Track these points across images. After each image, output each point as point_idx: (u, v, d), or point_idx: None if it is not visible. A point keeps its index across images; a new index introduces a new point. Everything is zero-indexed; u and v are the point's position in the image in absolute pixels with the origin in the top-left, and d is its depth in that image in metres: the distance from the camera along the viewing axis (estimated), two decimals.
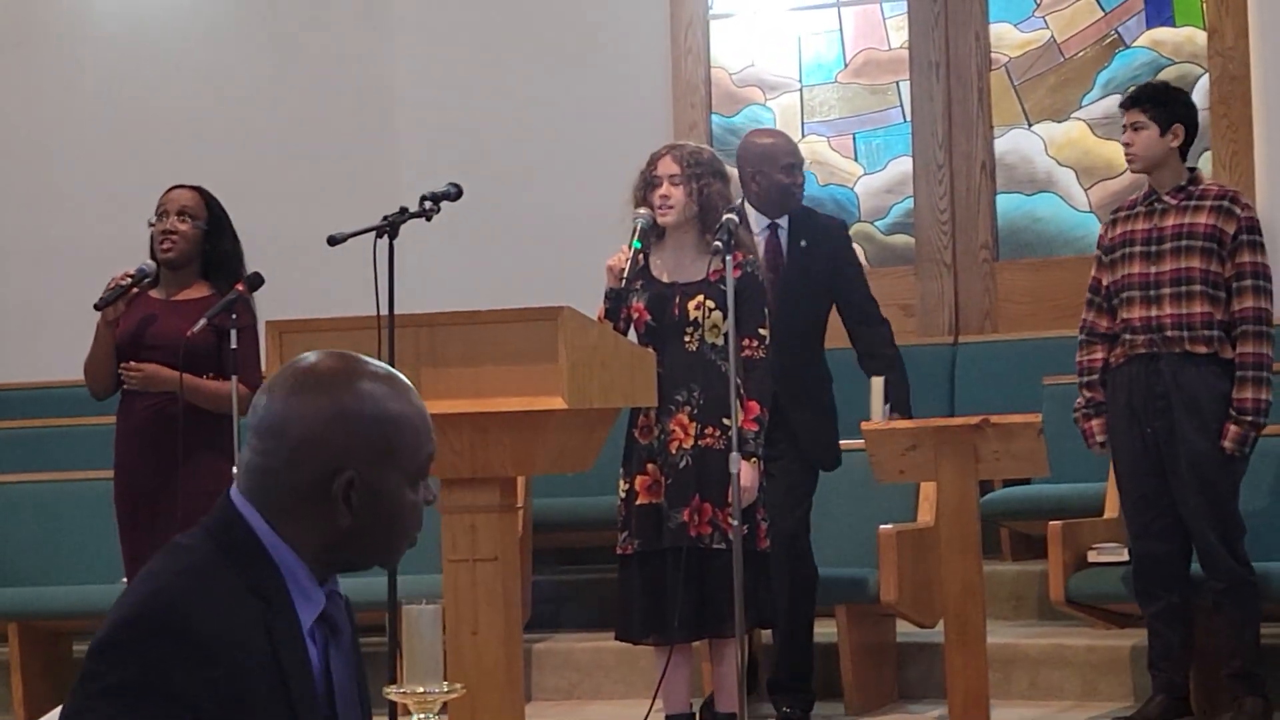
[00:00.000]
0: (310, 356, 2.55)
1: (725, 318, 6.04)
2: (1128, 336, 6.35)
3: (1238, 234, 6.24)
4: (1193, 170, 6.44)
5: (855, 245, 7.22)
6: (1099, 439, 6.47)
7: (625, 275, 6.02)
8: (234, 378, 6.19)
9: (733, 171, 6.51)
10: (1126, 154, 6.47)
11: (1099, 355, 6.49)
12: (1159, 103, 6.37)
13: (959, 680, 6.15)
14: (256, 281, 6.32)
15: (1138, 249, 6.34)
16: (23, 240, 10.37)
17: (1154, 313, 6.29)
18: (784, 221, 6.78)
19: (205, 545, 2.45)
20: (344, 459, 2.48)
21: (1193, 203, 6.31)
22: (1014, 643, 7.20)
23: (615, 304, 6.13)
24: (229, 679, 2.34)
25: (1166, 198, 6.34)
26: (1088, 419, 6.51)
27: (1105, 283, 6.45)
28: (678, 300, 6.10)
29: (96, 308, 6.27)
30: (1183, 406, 6.23)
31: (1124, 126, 6.45)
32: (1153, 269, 6.28)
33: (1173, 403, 6.25)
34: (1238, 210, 6.29)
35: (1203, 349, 6.23)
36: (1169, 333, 6.25)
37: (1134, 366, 6.34)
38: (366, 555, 2.59)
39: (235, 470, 2.61)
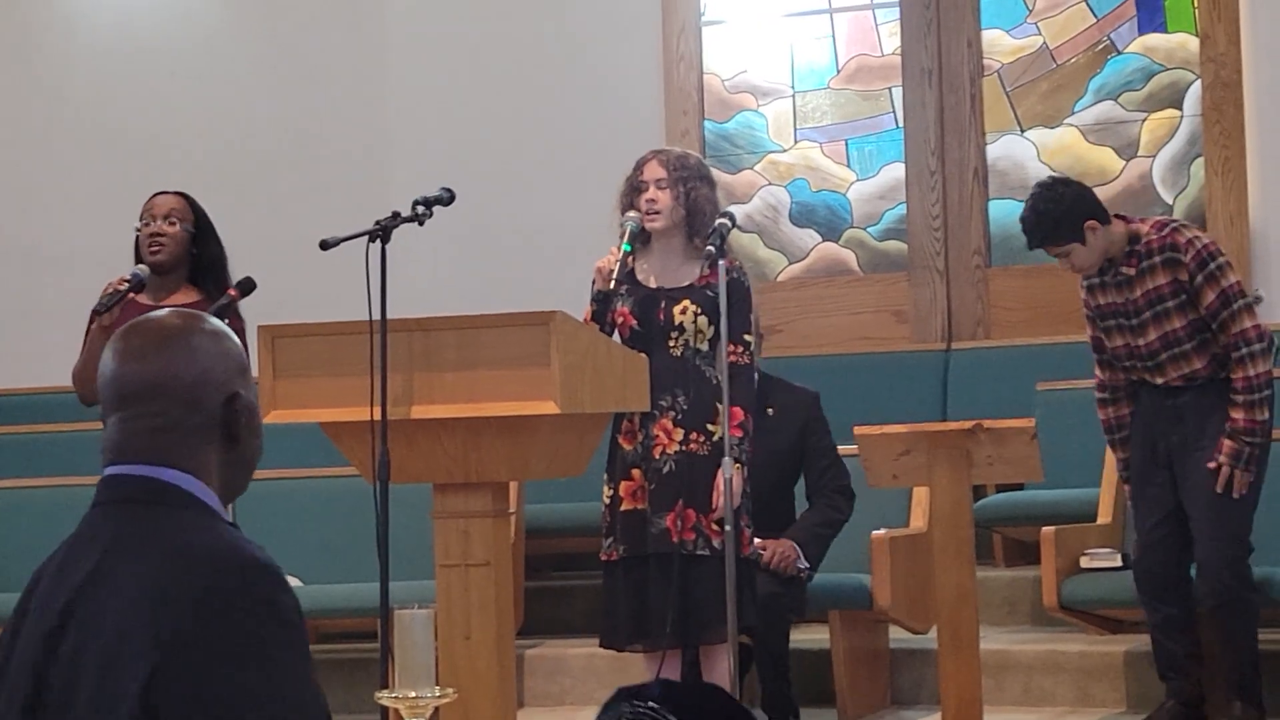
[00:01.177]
0: (145, 320, 2.62)
1: (711, 323, 6.03)
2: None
3: (1193, 277, 6.19)
4: (1127, 222, 6.32)
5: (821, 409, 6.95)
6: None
7: (614, 276, 6.01)
8: None
9: (719, 175, 6.48)
10: (1074, 272, 6.39)
11: (1125, 411, 6.44)
12: (1056, 228, 6.22)
13: (952, 686, 6.14)
14: (249, 286, 6.30)
15: (1121, 322, 6.31)
16: (14, 246, 10.36)
17: (1160, 379, 6.29)
18: None
19: (167, 513, 2.53)
20: (229, 385, 2.60)
21: (1145, 264, 6.24)
22: (1007, 648, 7.20)
23: (602, 306, 6.12)
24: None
25: (1124, 270, 6.28)
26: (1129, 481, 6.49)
27: (1102, 337, 6.43)
28: (663, 305, 6.09)
29: (97, 313, 6.26)
30: (1195, 422, 6.23)
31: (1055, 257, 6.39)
32: (1141, 341, 6.25)
33: (1186, 417, 6.25)
34: (1181, 256, 6.20)
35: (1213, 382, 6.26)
36: (1179, 384, 6.26)
37: (1147, 387, 6.36)
38: (248, 475, 2.72)
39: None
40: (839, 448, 6.86)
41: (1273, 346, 6.29)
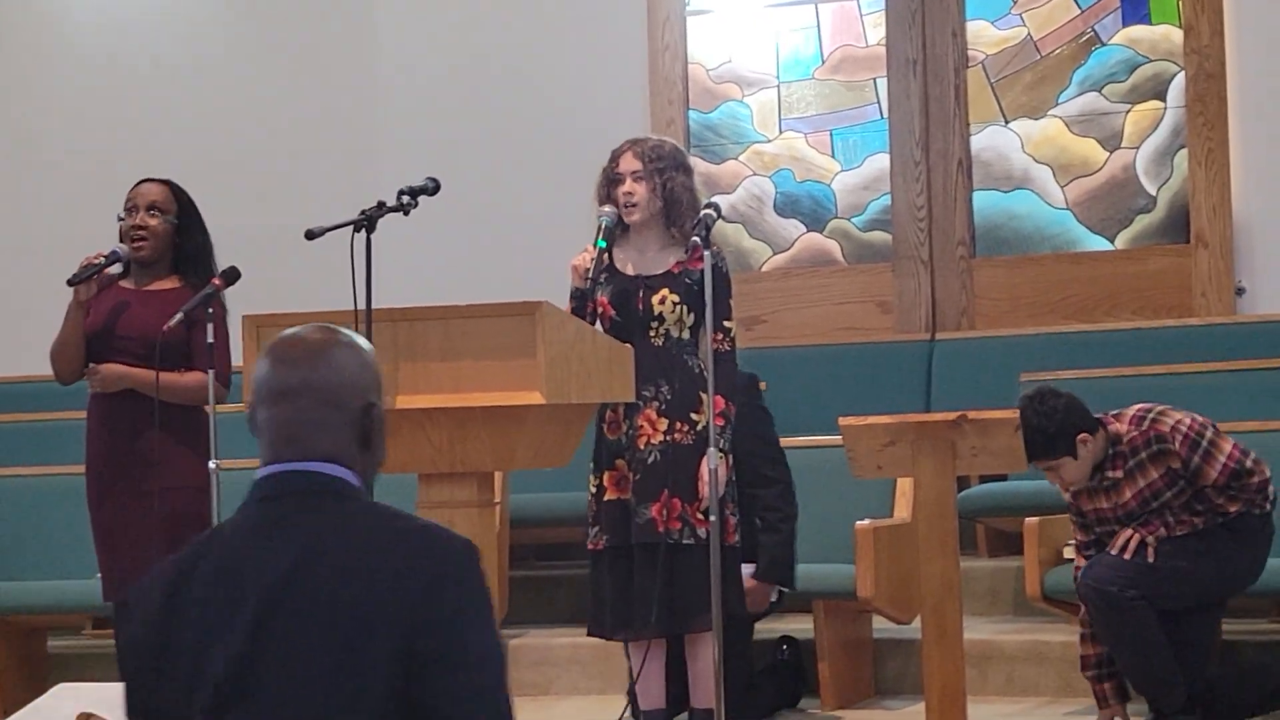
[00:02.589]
0: (296, 333, 2.92)
1: (690, 311, 6.04)
2: None
3: (1188, 462, 6.13)
4: (1106, 429, 6.25)
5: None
6: (1113, 702, 6.31)
7: (590, 275, 6.01)
8: (210, 371, 6.17)
9: (695, 163, 6.47)
10: (1063, 486, 6.32)
11: None
12: (1051, 445, 6.17)
13: (936, 676, 6.14)
14: (234, 276, 6.29)
15: (1115, 528, 6.26)
16: None
17: None
18: None
19: (360, 501, 2.87)
20: (368, 394, 2.90)
21: (1132, 463, 6.20)
22: (991, 639, 7.22)
23: (580, 303, 6.12)
24: None
25: (1110, 474, 6.22)
26: (1100, 680, 6.35)
27: (1088, 540, 6.36)
28: (641, 294, 6.08)
29: (69, 283, 6.22)
30: None
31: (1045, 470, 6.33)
32: (1145, 530, 6.23)
33: None
34: (1170, 445, 6.15)
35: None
36: None
37: None
38: (374, 478, 2.98)
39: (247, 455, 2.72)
40: (822, 439, 6.86)
41: (1271, 500, 6.19)
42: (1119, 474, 6.21)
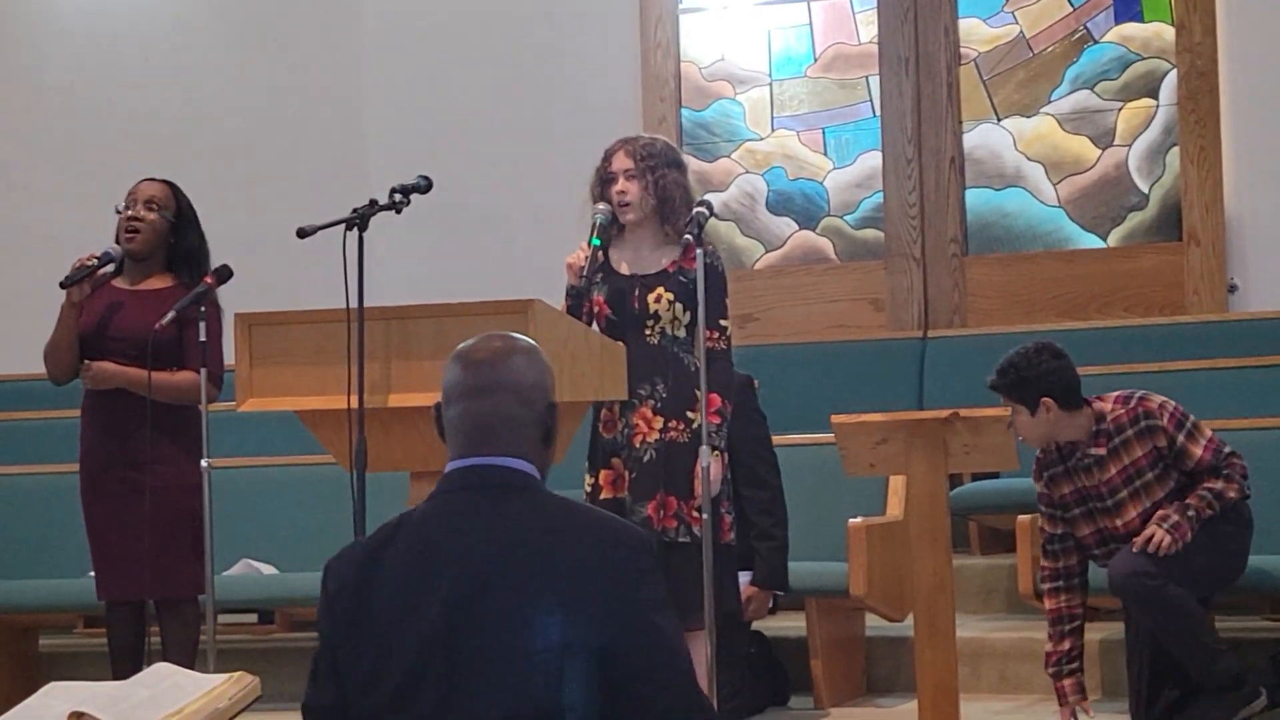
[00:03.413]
0: (485, 337, 3.23)
1: (685, 309, 6.03)
2: None
3: (1173, 440, 6.11)
4: (1091, 407, 6.20)
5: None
6: (1071, 699, 6.26)
7: (584, 273, 6.00)
8: (203, 370, 6.17)
9: (688, 160, 6.47)
10: (1018, 435, 6.23)
11: (1077, 601, 6.28)
12: (1016, 386, 6.14)
13: (928, 674, 6.14)
14: (225, 274, 6.29)
15: (1094, 506, 6.22)
16: None
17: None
18: None
19: (548, 494, 3.13)
20: (549, 395, 3.18)
21: (1117, 440, 6.16)
22: (983, 636, 7.22)
23: (576, 301, 6.11)
24: None
25: (1093, 451, 6.19)
26: (1060, 677, 6.28)
27: (1060, 532, 6.30)
28: (637, 293, 6.07)
29: (62, 286, 6.23)
30: None
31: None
32: (1119, 520, 6.15)
33: None
34: (1159, 421, 6.12)
35: None
36: None
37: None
38: (547, 472, 3.22)
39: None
40: (815, 437, 6.86)
41: (1247, 478, 6.17)
42: (1102, 451, 6.19)
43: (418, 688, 2.95)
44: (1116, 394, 6.27)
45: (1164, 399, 6.23)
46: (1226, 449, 6.16)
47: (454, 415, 3.15)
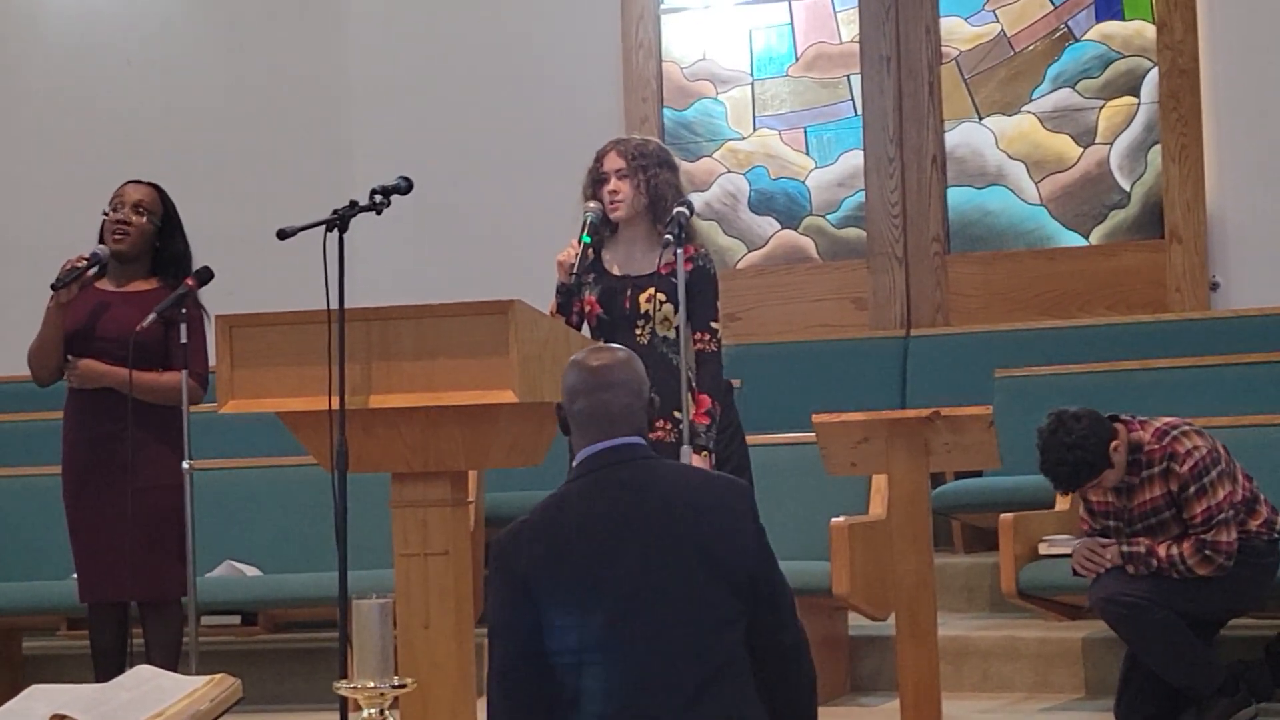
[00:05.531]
0: (595, 348, 4.11)
1: (676, 310, 6.03)
2: None
3: (1185, 487, 6.11)
4: (1128, 428, 6.22)
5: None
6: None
7: (575, 270, 6.00)
8: (184, 371, 6.19)
9: (680, 163, 6.47)
10: (1101, 489, 6.29)
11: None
12: (1093, 469, 6.13)
13: (910, 673, 6.15)
14: (206, 276, 6.31)
15: (1119, 524, 6.28)
16: None
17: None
18: None
19: (664, 460, 4.06)
20: (647, 390, 4.02)
21: (1145, 474, 6.18)
22: (966, 635, 7.22)
23: (566, 299, 6.11)
24: None
25: (1128, 478, 6.22)
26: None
27: (1098, 527, 6.36)
28: (629, 293, 6.08)
29: (53, 288, 6.24)
30: None
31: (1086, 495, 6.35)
32: (1141, 549, 6.24)
33: None
34: (1178, 466, 6.13)
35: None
36: None
37: None
38: None
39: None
40: (796, 436, 6.86)
41: (1230, 558, 6.16)
42: (1135, 480, 6.21)
43: (622, 619, 3.73)
44: (1158, 426, 6.24)
45: (1198, 444, 6.18)
46: (1222, 516, 6.11)
47: (581, 409, 3.93)
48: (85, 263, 6.30)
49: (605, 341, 5.86)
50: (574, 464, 3.99)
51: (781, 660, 3.95)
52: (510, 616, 3.83)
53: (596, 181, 6.16)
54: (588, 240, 6.02)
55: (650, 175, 6.12)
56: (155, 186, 6.50)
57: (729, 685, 3.77)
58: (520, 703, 3.81)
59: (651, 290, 6.06)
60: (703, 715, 3.73)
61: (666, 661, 3.74)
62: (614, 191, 6.10)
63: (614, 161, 6.14)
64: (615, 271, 6.14)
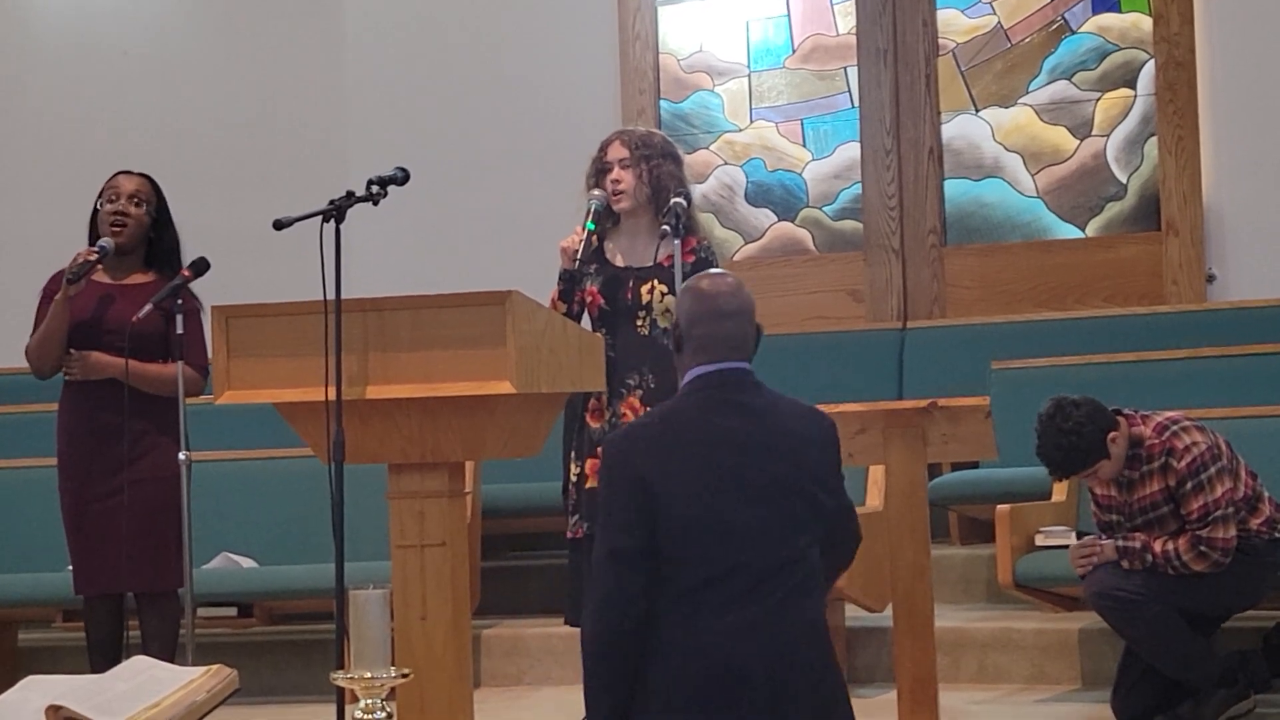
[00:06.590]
0: (716, 273, 4.49)
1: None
2: None
3: (1182, 483, 6.09)
4: (1129, 422, 6.22)
5: None
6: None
7: (579, 257, 6.00)
8: (180, 361, 6.19)
9: (684, 155, 6.48)
10: (1098, 482, 6.28)
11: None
12: (1087, 457, 6.13)
13: (907, 664, 6.15)
14: (203, 267, 6.31)
15: (1120, 519, 6.27)
16: None
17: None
18: None
19: (769, 390, 4.38)
20: (756, 318, 4.40)
21: (1145, 469, 6.17)
22: (963, 626, 7.22)
23: (569, 285, 6.11)
24: None
25: (1127, 472, 6.21)
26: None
27: (1108, 520, 6.34)
28: (631, 284, 6.08)
29: (68, 281, 6.23)
30: None
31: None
32: (1136, 544, 6.23)
33: None
34: (1176, 462, 6.11)
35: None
36: None
37: None
38: None
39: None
40: None
41: (1227, 554, 6.17)
42: (1135, 474, 6.21)
43: (732, 519, 4.14)
44: (1159, 420, 6.23)
45: (1197, 439, 6.16)
46: (1220, 513, 6.09)
47: (701, 334, 4.30)
48: (95, 256, 6.31)
49: (606, 334, 5.85)
50: (684, 381, 4.34)
51: (838, 516, 4.37)
52: (631, 516, 4.14)
53: (600, 171, 6.17)
54: (592, 227, 6.03)
55: (653, 166, 6.12)
56: (147, 177, 6.50)
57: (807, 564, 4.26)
58: (629, 591, 4.12)
59: (654, 282, 6.07)
60: (789, 563, 4.19)
61: (767, 531, 4.18)
62: (617, 181, 6.10)
63: (618, 151, 6.15)
64: (618, 262, 6.14)
